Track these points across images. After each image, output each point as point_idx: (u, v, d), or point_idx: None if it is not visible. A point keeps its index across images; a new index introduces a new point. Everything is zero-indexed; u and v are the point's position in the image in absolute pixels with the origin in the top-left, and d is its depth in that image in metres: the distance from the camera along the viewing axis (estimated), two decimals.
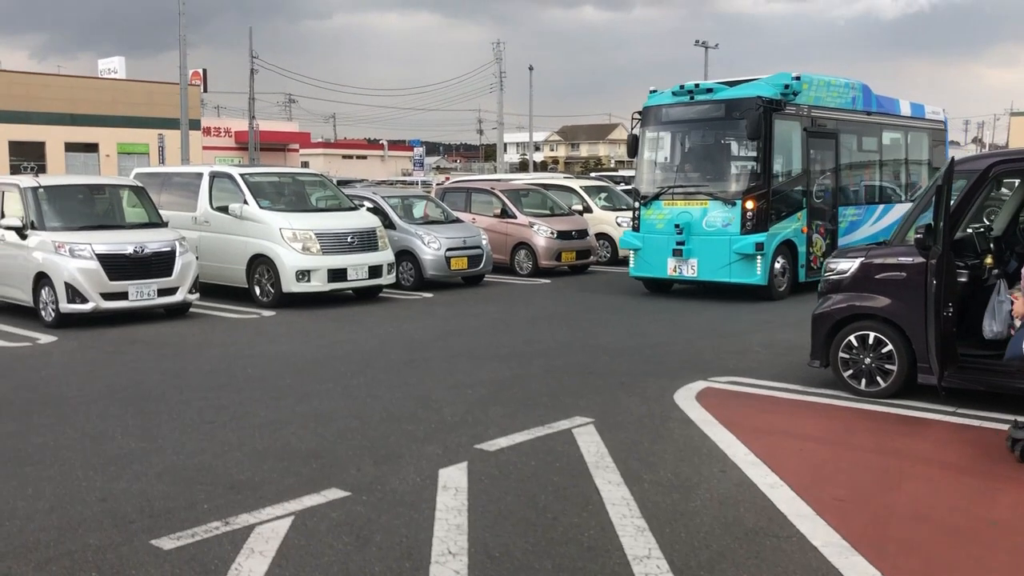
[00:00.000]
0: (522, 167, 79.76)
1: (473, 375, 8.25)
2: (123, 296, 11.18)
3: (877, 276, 7.18)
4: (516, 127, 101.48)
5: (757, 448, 6.07)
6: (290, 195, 13.75)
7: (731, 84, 13.92)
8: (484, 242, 15.53)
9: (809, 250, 14.17)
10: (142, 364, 8.93)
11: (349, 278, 12.85)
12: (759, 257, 13.17)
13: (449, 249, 14.96)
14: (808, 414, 6.94)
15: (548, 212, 17.93)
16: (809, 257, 14.20)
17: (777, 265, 13.49)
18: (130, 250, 11.18)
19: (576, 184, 20.35)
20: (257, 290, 12.79)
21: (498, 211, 17.39)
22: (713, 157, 13.80)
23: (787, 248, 13.74)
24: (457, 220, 16.20)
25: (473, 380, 8.06)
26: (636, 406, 7.15)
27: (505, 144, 71.95)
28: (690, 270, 13.62)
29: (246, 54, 52.29)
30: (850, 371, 7.41)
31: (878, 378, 7.34)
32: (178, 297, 11.60)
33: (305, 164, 58.75)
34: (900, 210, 15.78)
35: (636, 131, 14.65)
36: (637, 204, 14.40)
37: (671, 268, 13.75)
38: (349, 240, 12.94)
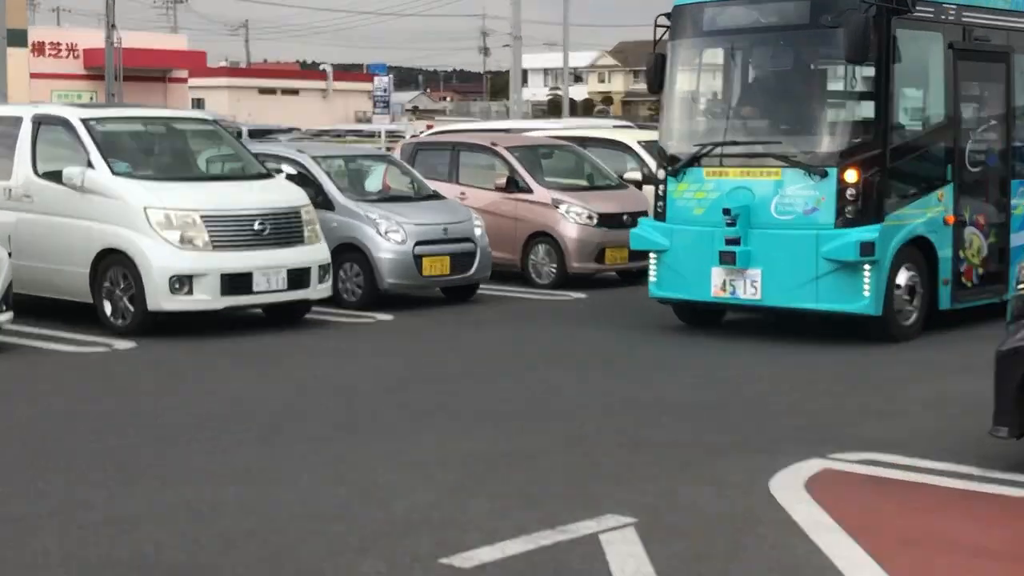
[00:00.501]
0: (552, 109, 79.20)
1: (447, 447, 8.43)
2: None
3: None
4: (544, 43, 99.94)
5: (902, 570, 6.08)
6: (163, 154, 14.05)
7: None
8: (479, 231, 15.58)
9: (960, 254, 13.02)
10: None
11: (256, 288, 12.90)
12: (867, 267, 12.00)
13: (420, 243, 14.97)
14: (987, 514, 6.99)
15: (586, 184, 17.98)
16: (959, 266, 13.04)
17: (901, 280, 12.37)
18: None
19: (634, 137, 20.11)
20: (108, 307, 12.68)
21: (503, 181, 17.36)
22: (789, 94, 12.94)
23: (919, 251, 12.60)
24: (436, 195, 16.28)
25: (446, 454, 8.23)
26: (707, 499, 7.17)
27: (525, 71, 71.13)
28: (749, 288, 12.49)
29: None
30: None
31: None
32: None
33: (198, 102, 57.18)
34: None
35: (662, 48, 13.49)
36: (662, 174, 13.21)
37: (718, 285, 12.65)
38: (257, 227, 12.95)
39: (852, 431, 8.82)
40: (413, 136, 25.38)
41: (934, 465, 7.81)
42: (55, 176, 12.81)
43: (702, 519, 6.76)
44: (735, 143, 12.80)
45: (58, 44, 48.54)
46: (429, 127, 35.52)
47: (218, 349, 12.25)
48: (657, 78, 13.46)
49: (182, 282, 12.33)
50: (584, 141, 19.51)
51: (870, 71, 12.23)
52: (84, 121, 13.02)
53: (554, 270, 16.93)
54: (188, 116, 15.43)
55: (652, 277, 13.33)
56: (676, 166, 13.05)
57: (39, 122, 13.31)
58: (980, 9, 13.25)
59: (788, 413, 9.52)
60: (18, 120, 13.40)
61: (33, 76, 40.56)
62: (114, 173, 12.65)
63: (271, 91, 68.51)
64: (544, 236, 16.97)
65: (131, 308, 12.46)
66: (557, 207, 16.89)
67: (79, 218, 12.68)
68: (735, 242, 12.44)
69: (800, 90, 12.86)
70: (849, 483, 7.58)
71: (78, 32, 51.94)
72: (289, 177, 14.38)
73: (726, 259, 12.50)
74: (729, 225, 12.43)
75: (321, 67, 77.57)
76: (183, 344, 12.33)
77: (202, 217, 12.51)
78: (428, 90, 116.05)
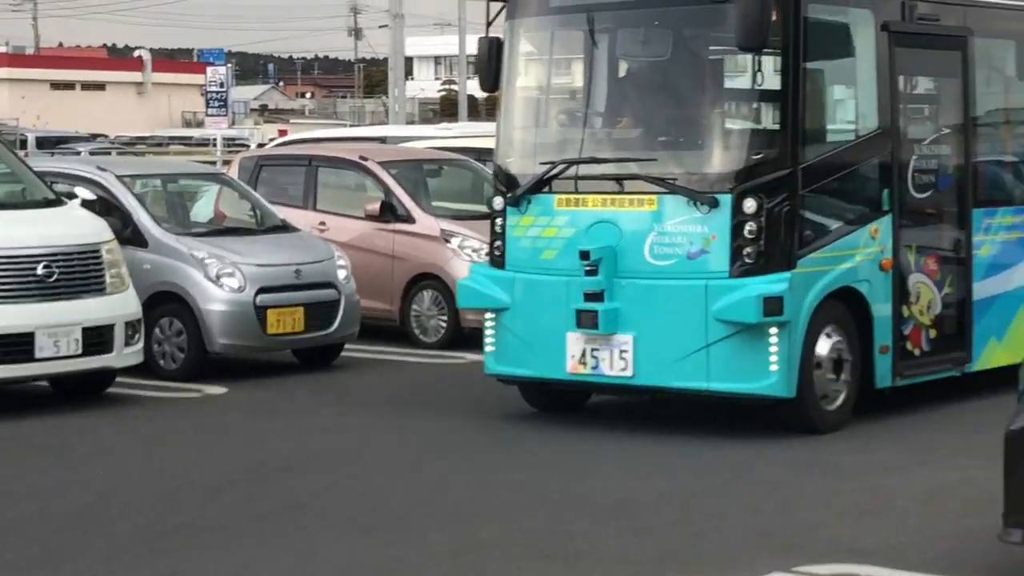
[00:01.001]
0: (446, 110, 78.67)
1: (300, 562, 8.37)
2: None
3: None
4: (435, 23, 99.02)
5: None
6: None
7: None
8: (343, 274, 15.49)
9: (903, 311, 11.87)
10: None
11: (39, 354, 12.85)
12: (774, 331, 10.87)
13: (264, 290, 14.78)
14: None
15: (486, 211, 16.74)
16: (903, 327, 11.89)
17: (822, 349, 11.24)
18: None
19: None
20: None
21: (376, 207, 17.02)
22: (669, 95, 11.94)
23: (846, 308, 11.43)
24: (286, 227, 16.04)
25: (300, 571, 8.25)
26: None
27: (410, 60, 70.09)
28: (617, 362, 11.31)
29: None
30: None
31: None
32: None
33: None
34: None
35: (497, 31, 12.44)
36: (499, 203, 12.12)
37: (575, 357, 11.49)
38: (40, 272, 12.89)
39: (829, 534, 8.76)
40: (259, 146, 24.37)
41: None
42: None
43: None
44: (596, 160, 11.56)
45: None
46: (281, 134, 34.78)
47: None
48: (491, 71, 12.27)
49: None
50: (485, 153, 18.67)
51: (775, 62, 11.10)
52: None
53: (444, 324, 16.39)
54: None
55: (488, 346, 12.09)
56: (517, 192, 11.80)
57: None
58: None
59: (750, 513, 9.34)
60: None
61: None
62: None
63: (68, 85, 67.14)
64: (431, 279, 16.49)
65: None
66: (448, 241, 16.44)
67: None
68: (597, 297, 11.25)
69: (683, 89, 11.75)
70: None
71: None
72: (86, 204, 14.09)
73: (585, 321, 11.28)
74: (588, 274, 11.25)
75: (136, 53, 75.92)
76: None
77: None
78: (281, 84, 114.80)
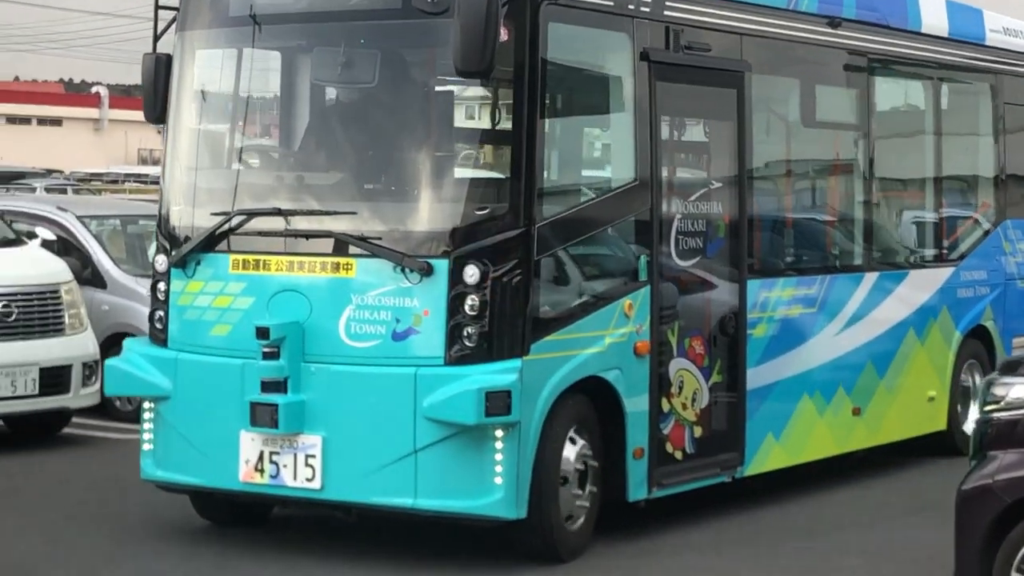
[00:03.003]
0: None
1: None
2: None
3: None
4: None
5: None
6: None
7: None
8: None
9: (663, 405, 10.07)
10: None
11: None
12: (500, 435, 8.99)
13: None
14: None
15: None
16: (663, 425, 10.10)
17: (563, 455, 9.38)
18: None
19: None
20: None
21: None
22: (371, 131, 9.98)
23: (591, 401, 9.61)
24: None
25: None
26: None
27: None
28: (303, 470, 9.32)
29: None
30: None
31: None
32: None
33: None
34: (925, 287, 12.87)
35: (168, 47, 10.32)
36: (162, 263, 10.04)
37: (250, 462, 9.47)
38: None
39: None
40: None
41: None
42: None
43: None
44: (280, 213, 9.47)
45: None
46: None
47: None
48: (158, 97, 10.14)
49: None
50: None
51: (505, 94, 9.17)
52: None
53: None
54: None
55: (146, 444, 9.94)
56: (184, 250, 9.69)
57: None
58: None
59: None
60: None
61: None
62: None
63: (24, 120, 65.18)
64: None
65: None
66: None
67: None
68: (277, 387, 9.22)
69: (393, 125, 9.70)
70: None
71: None
72: (45, 244, 14.61)
73: (262, 417, 9.23)
74: (268, 356, 9.21)
75: (94, 89, 74.59)
76: None
77: None
78: None
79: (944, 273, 12.87)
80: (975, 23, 13.54)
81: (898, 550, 9.89)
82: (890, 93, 12.89)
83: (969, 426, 13.13)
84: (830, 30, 11.60)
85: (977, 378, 13.23)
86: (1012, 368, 7.96)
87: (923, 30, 12.77)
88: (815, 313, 11.39)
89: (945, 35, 13.03)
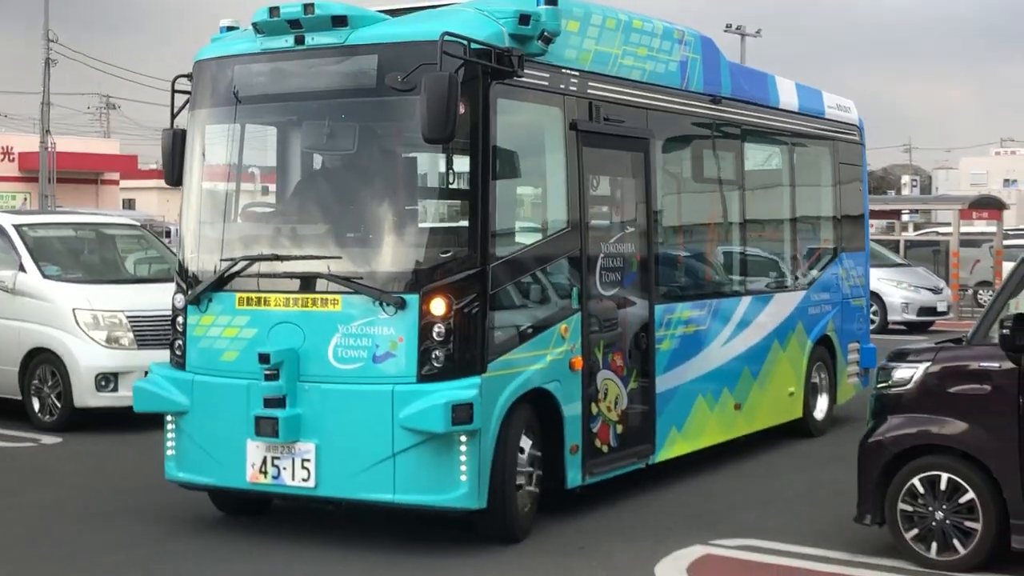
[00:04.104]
0: None
1: None
2: None
3: (950, 389, 7.52)
4: None
5: None
6: (93, 256, 13.78)
7: (395, 13, 8.14)
8: None
9: (592, 409, 8.72)
10: None
11: None
12: (464, 440, 7.65)
13: None
14: None
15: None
16: (592, 425, 8.74)
17: (516, 455, 8.01)
18: None
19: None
20: (36, 403, 12.49)
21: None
22: (353, 188, 8.47)
23: (535, 409, 8.24)
24: None
25: None
26: None
27: None
28: (299, 471, 7.90)
29: (39, 34, 45.57)
30: (914, 531, 7.54)
31: (955, 541, 7.35)
32: None
33: (129, 203, 55.20)
34: (786, 306, 11.55)
35: (181, 120, 8.89)
36: (180, 300, 8.57)
37: (255, 466, 8.03)
38: None
39: (734, 518, 8.69)
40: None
41: (808, 550, 7.87)
42: None
43: None
44: (278, 258, 8.09)
45: None
46: None
47: (147, 444, 11.04)
48: (175, 164, 8.71)
49: (108, 379, 12.15)
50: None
51: (463, 157, 7.82)
52: (17, 227, 12.96)
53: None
54: (116, 221, 15.32)
55: (169, 450, 8.47)
56: (198, 290, 8.25)
57: None
58: (612, 80, 9.04)
59: (676, 502, 9.26)
60: None
61: None
62: (44, 276, 12.61)
63: None
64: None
65: (58, 404, 12.34)
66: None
67: (10, 319, 12.62)
68: (278, 403, 7.82)
69: (370, 184, 8.28)
70: (728, 567, 7.64)
71: (13, 137, 51.58)
72: None
73: (265, 428, 7.82)
74: (269, 378, 7.81)
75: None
76: (111, 439, 11.87)
77: (128, 317, 12.34)
78: None
79: (799, 296, 11.66)
80: (817, 100, 12.37)
81: (820, 488, 9.62)
82: (757, 155, 11.71)
83: (819, 413, 12.11)
84: (712, 106, 10.44)
85: (823, 376, 12.11)
86: (898, 357, 7.73)
87: (780, 106, 11.62)
88: (706, 330, 10.13)
89: (796, 110, 11.87)
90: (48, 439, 11.84)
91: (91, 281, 12.82)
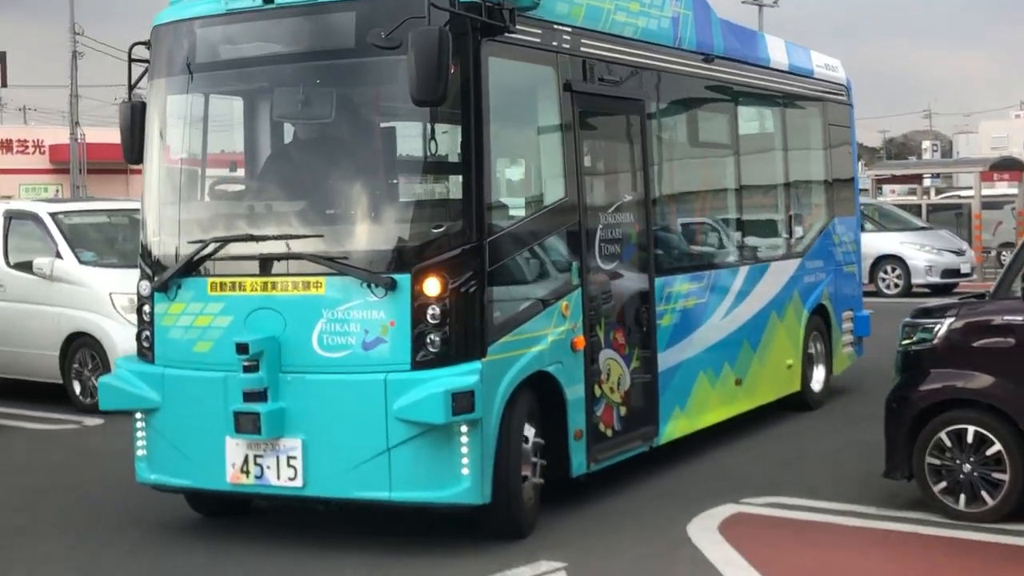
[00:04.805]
0: None
1: None
2: None
3: (974, 344, 7.51)
4: None
5: None
6: (126, 243, 13.36)
7: None
8: None
9: (595, 391, 8.05)
10: None
11: None
12: (465, 430, 6.92)
13: None
14: (881, 548, 7.19)
15: None
16: (596, 408, 8.06)
17: (520, 443, 7.30)
18: None
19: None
20: (77, 386, 12.48)
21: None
22: (333, 160, 7.64)
23: (537, 394, 7.53)
24: None
25: None
26: (631, 543, 7.22)
27: None
28: (285, 470, 7.15)
29: (66, 27, 45.77)
30: (942, 484, 7.60)
31: (983, 493, 7.36)
32: None
33: None
34: (782, 275, 10.93)
35: (139, 91, 8.09)
36: (146, 287, 7.77)
37: (236, 465, 7.26)
38: None
39: (763, 477, 8.71)
40: None
41: (835, 505, 7.91)
42: (26, 266, 12.89)
43: (626, 560, 6.87)
44: (252, 238, 7.31)
45: (25, 141, 47.61)
46: None
47: None
48: (135, 140, 7.92)
49: None
50: None
51: (453, 121, 7.08)
52: (52, 215, 13.05)
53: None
54: None
55: (139, 450, 7.68)
56: (165, 276, 7.47)
57: (11, 217, 13.38)
58: (605, 37, 8.34)
59: (708, 465, 9.12)
60: None
61: (2, 172, 42.33)
62: (81, 262, 12.66)
63: None
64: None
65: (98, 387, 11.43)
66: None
67: (49, 305, 12.70)
68: (259, 396, 7.06)
69: (352, 155, 7.52)
70: (757, 524, 7.65)
71: (44, 130, 50.93)
72: None
73: (245, 424, 7.07)
74: (248, 369, 7.06)
75: None
76: None
77: None
78: None
79: (794, 264, 11.04)
80: (805, 59, 11.72)
81: (854, 447, 9.52)
82: (750, 117, 11.03)
83: (816, 385, 11.54)
84: (706, 65, 9.77)
85: (819, 347, 11.52)
86: (922, 314, 7.79)
87: (771, 65, 10.96)
88: (705, 303, 9.49)
89: (787, 69, 11.22)
90: (90, 420, 11.82)
91: (126, 266, 12.29)
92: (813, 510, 7.85)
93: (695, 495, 8.17)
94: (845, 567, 6.81)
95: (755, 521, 7.66)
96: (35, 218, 13.13)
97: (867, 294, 22.34)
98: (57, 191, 45.73)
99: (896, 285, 22.81)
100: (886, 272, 23.00)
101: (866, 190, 28.17)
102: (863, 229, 22.88)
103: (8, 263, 13.16)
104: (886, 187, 38.52)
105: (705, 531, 7.34)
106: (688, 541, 7.15)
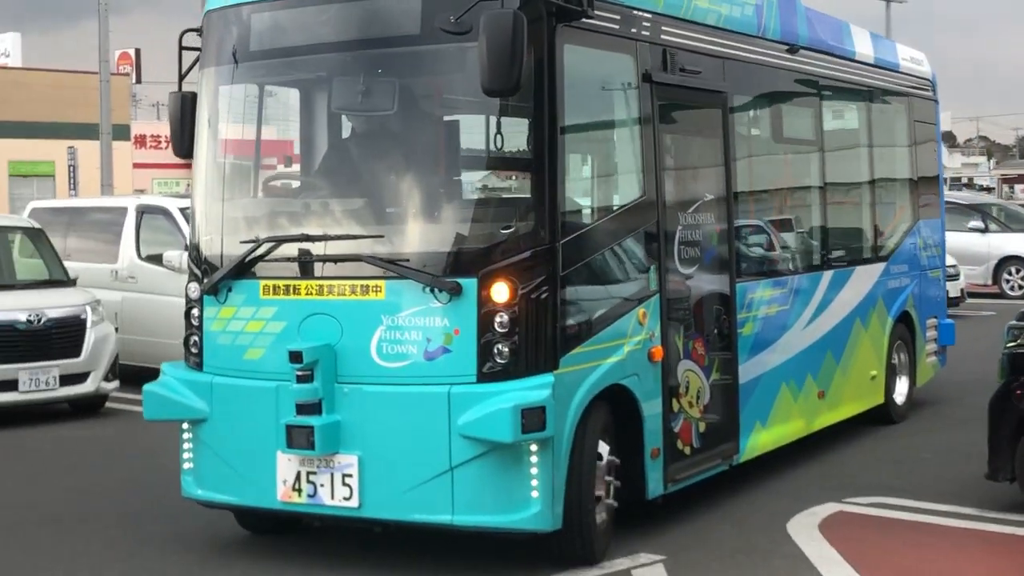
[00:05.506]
0: None
1: None
2: (11, 386, 11.47)
3: None
4: None
5: None
6: None
7: None
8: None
9: (673, 405, 7.40)
10: (36, 482, 9.09)
11: None
12: (535, 450, 6.30)
13: None
14: (981, 549, 7.12)
15: None
16: (673, 424, 7.42)
17: (593, 464, 6.66)
18: (22, 319, 11.57)
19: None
20: None
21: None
22: (395, 156, 6.98)
23: (611, 410, 6.90)
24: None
25: None
26: (729, 538, 7.20)
27: None
28: (340, 489, 6.57)
29: (198, 24, 46.59)
30: None
31: None
32: (89, 386, 12.00)
33: None
34: (866, 281, 10.23)
35: (192, 81, 7.54)
36: (195, 291, 7.24)
37: (288, 482, 6.70)
38: None
39: (868, 477, 8.69)
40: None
41: (938, 506, 7.90)
42: (156, 259, 13.20)
43: (723, 555, 6.85)
44: (308, 238, 6.72)
45: (158, 137, 47.85)
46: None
47: None
48: (186, 133, 7.36)
49: None
50: None
51: (524, 113, 6.46)
52: (182, 210, 13.12)
53: None
54: None
55: (186, 463, 7.14)
56: (215, 278, 6.92)
57: (142, 212, 13.88)
58: (686, 24, 7.70)
59: (812, 462, 9.06)
60: (124, 210, 14.08)
61: (136, 166, 42.90)
62: None
63: None
64: None
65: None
66: None
67: (178, 296, 12.09)
68: (313, 409, 6.49)
69: (415, 150, 6.91)
70: (858, 524, 7.58)
71: (167, 125, 50.55)
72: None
73: (298, 439, 6.49)
74: (301, 379, 6.49)
75: None
76: None
77: None
78: None
79: (879, 268, 10.33)
80: (891, 52, 11.00)
81: (962, 447, 9.38)
82: (835, 112, 10.33)
83: (899, 398, 10.82)
84: (790, 56, 9.08)
85: (903, 357, 10.80)
86: None
87: (857, 57, 10.24)
88: (787, 310, 8.81)
89: (872, 63, 10.49)
90: None
91: None
92: (914, 510, 7.82)
93: (797, 494, 8.15)
94: (943, 567, 6.79)
95: (856, 520, 7.63)
96: (165, 213, 13.61)
97: (991, 296, 22.01)
98: (188, 185, 46.15)
99: (1021, 286, 21.99)
100: (1010, 273, 22.23)
101: (993, 189, 27.10)
102: (987, 229, 22.27)
103: (140, 256, 13.69)
104: (1018, 187, 37.31)
105: (805, 528, 7.34)
106: (788, 538, 7.14)
